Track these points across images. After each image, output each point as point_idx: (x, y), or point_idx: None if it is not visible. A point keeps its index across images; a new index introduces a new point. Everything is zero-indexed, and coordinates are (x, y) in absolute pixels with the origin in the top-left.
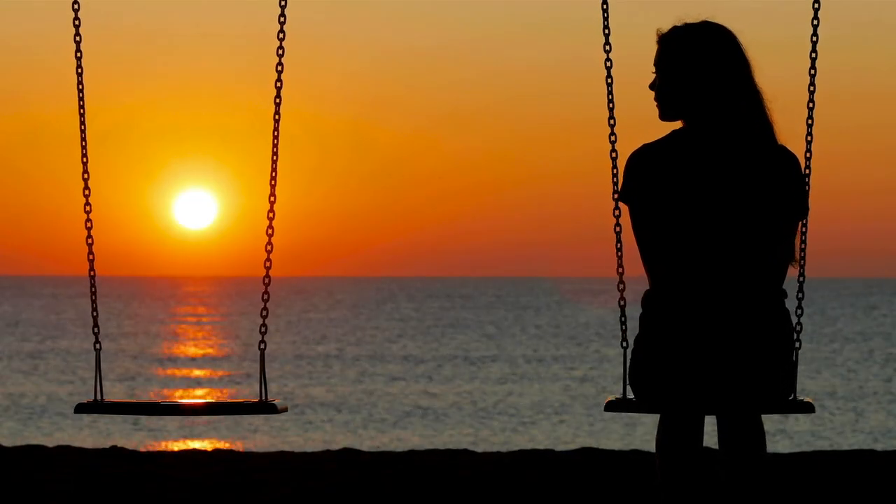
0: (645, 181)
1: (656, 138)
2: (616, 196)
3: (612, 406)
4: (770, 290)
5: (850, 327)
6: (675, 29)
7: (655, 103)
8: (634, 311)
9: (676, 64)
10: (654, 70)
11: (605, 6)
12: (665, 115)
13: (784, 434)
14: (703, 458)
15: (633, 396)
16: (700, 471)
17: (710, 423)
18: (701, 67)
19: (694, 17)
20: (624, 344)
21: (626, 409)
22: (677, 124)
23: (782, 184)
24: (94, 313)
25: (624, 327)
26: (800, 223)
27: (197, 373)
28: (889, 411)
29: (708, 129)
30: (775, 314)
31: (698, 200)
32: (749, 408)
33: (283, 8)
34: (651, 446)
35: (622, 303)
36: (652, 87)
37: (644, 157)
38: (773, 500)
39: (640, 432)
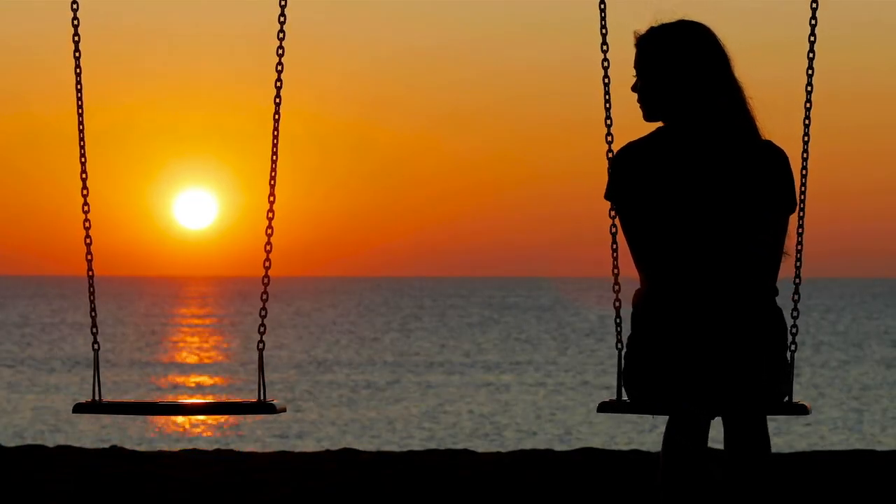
0: (630, 179)
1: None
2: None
3: (605, 407)
4: (760, 286)
5: (849, 327)
6: (651, 30)
7: (639, 105)
8: (629, 312)
9: (655, 65)
10: (634, 73)
11: (602, 5)
12: (649, 117)
13: (784, 434)
14: (705, 459)
15: (626, 398)
16: (703, 473)
17: (716, 424)
18: (679, 67)
19: (670, 15)
20: (619, 345)
21: (619, 411)
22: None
23: (767, 177)
24: (93, 313)
25: (619, 328)
26: (793, 221)
27: (197, 374)
28: (888, 411)
29: (691, 126)
30: (765, 312)
31: (683, 197)
32: (738, 405)
33: (283, 8)
34: (651, 446)
35: (617, 304)
36: (634, 89)
37: (629, 155)
38: (776, 502)
39: (640, 432)
